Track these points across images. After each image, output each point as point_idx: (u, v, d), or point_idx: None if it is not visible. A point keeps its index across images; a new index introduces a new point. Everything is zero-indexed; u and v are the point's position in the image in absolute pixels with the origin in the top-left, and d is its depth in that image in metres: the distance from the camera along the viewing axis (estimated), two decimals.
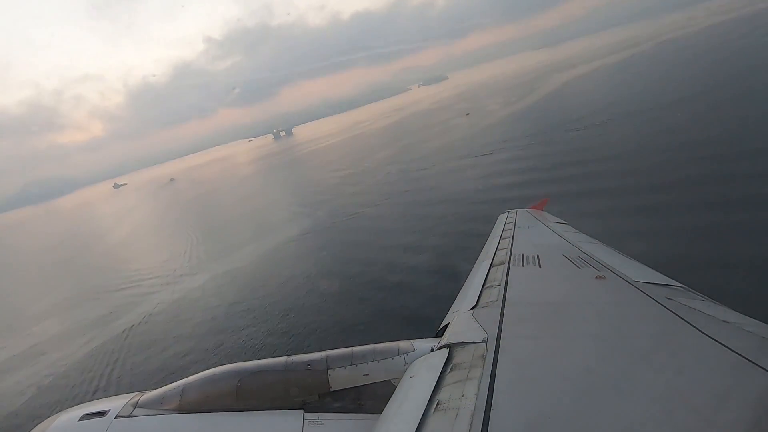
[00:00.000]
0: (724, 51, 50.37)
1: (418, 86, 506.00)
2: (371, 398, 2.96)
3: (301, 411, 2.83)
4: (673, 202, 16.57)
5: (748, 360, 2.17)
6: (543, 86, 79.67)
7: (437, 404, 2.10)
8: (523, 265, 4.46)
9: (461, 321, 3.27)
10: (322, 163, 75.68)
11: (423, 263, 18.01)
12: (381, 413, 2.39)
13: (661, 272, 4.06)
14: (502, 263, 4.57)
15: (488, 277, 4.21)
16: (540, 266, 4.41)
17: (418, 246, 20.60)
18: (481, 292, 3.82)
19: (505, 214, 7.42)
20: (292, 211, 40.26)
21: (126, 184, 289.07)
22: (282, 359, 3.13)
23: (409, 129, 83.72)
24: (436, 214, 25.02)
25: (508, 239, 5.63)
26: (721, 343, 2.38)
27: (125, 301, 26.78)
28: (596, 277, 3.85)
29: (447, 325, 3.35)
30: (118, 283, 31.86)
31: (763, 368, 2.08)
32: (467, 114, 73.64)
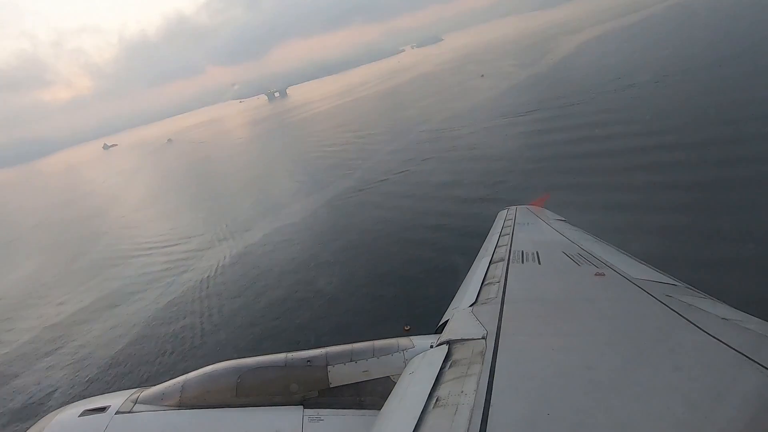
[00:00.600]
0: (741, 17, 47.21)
1: (412, 48, 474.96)
2: (371, 394, 3.03)
3: (301, 407, 2.91)
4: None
5: (747, 357, 2.18)
6: (556, 49, 76.47)
7: (437, 400, 2.13)
8: (522, 262, 4.44)
9: (461, 318, 3.30)
10: (337, 124, 72.56)
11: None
12: (380, 409, 2.44)
13: (661, 269, 4.04)
14: (502, 260, 4.55)
15: (488, 274, 4.21)
16: (539, 263, 4.39)
17: (496, 198, 20.14)
18: (480, 289, 3.83)
19: (505, 211, 7.36)
20: (325, 170, 38.30)
21: (116, 145, 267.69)
22: (282, 355, 3.19)
23: (425, 91, 79.80)
24: (497, 169, 24.13)
25: (507, 236, 5.60)
26: (719, 341, 2.39)
27: (180, 257, 26.41)
28: (595, 275, 3.83)
29: (446, 321, 3.38)
30: (161, 240, 31.37)
31: (761, 365, 2.09)
32: (482, 76, 71.18)
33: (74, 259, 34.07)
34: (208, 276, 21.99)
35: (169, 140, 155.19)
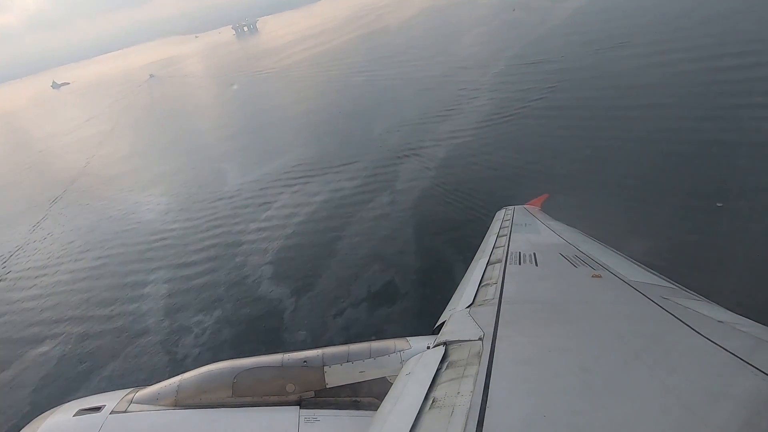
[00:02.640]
0: None
1: None
2: (367, 395, 3.04)
3: (297, 407, 2.91)
4: None
5: (742, 360, 2.19)
6: None
7: (433, 401, 2.13)
8: (519, 263, 4.46)
9: (457, 319, 3.30)
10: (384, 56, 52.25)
11: None
12: (377, 410, 2.44)
13: (658, 271, 4.07)
14: (499, 261, 4.56)
15: (485, 275, 4.22)
16: (536, 264, 4.41)
17: None
18: (477, 291, 3.84)
19: (503, 211, 7.40)
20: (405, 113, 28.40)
21: (68, 83, 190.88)
22: (278, 356, 3.19)
23: (457, 25, 59.83)
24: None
25: (505, 237, 5.63)
26: (715, 343, 2.40)
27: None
28: (592, 276, 3.85)
29: (443, 323, 3.38)
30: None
31: (756, 368, 2.10)
32: (513, 10, 55.15)
33: None
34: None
35: (151, 76, 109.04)
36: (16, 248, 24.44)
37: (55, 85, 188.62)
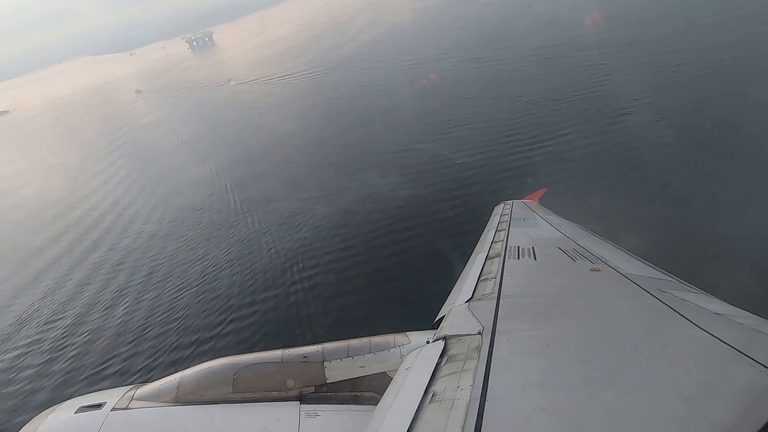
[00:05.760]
0: None
1: None
2: (367, 390, 3.05)
3: (298, 403, 2.92)
4: None
5: (740, 351, 2.21)
6: None
7: (432, 395, 2.15)
8: (518, 257, 4.47)
9: (457, 313, 3.31)
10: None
11: None
12: (377, 405, 2.45)
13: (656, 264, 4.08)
14: (498, 255, 4.57)
15: (483, 270, 4.23)
16: (535, 259, 4.42)
17: None
18: (476, 285, 3.85)
19: (501, 205, 7.42)
20: None
21: (7, 111, 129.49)
22: (278, 351, 3.19)
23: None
24: None
25: (503, 231, 5.65)
26: (713, 335, 2.43)
27: None
28: (591, 270, 3.87)
29: (443, 317, 3.39)
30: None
31: (753, 359, 2.13)
32: (529, 6, 48.03)
33: None
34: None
35: (138, 91, 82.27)
36: None
37: None
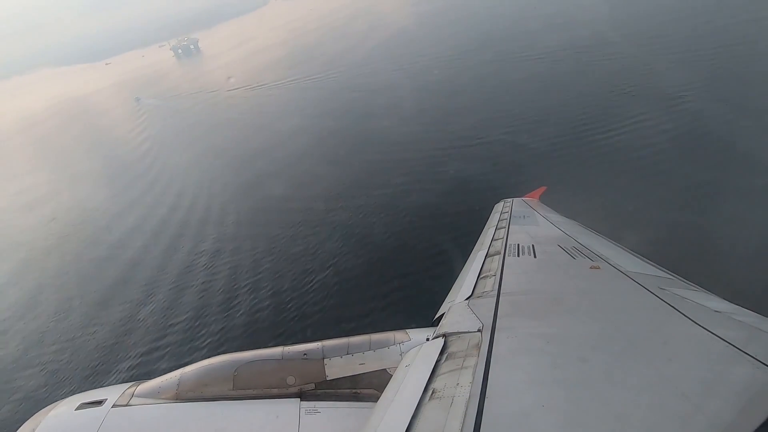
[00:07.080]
0: None
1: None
2: (367, 387, 3.05)
3: (298, 399, 2.93)
4: None
5: (739, 349, 2.22)
6: None
7: (432, 392, 2.15)
8: (518, 255, 4.46)
9: (457, 311, 3.31)
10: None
11: None
12: (377, 402, 2.45)
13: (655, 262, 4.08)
14: (498, 253, 4.57)
15: (483, 268, 4.23)
16: (535, 256, 4.41)
17: None
18: (476, 283, 3.85)
19: (501, 203, 7.42)
20: None
21: None
22: (278, 349, 3.20)
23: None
24: None
25: (503, 229, 5.64)
26: (712, 333, 2.43)
27: None
28: (590, 267, 3.87)
29: (442, 315, 3.40)
30: None
31: (751, 356, 2.14)
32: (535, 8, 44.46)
33: None
34: None
35: (138, 99, 63.21)
36: None
37: None
